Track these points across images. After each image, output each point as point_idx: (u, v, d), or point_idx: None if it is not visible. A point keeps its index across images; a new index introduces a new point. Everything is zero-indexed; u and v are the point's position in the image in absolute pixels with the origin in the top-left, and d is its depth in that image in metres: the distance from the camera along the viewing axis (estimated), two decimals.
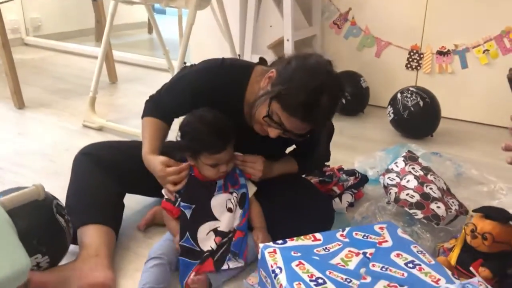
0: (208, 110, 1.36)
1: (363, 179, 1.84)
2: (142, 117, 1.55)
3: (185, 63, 2.30)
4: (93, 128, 2.52)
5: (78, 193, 1.50)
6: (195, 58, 3.22)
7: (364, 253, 1.02)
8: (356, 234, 1.09)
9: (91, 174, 1.52)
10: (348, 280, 0.93)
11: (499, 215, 1.08)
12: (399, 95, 2.39)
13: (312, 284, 0.92)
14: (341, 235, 1.08)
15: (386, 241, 1.06)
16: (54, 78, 3.42)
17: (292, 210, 1.47)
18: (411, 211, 1.55)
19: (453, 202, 1.64)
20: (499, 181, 1.87)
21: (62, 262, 1.37)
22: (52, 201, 1.32)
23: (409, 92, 2.37)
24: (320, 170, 1.86)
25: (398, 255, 1.01)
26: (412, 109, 2.32)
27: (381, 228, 1.11)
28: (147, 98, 1.59)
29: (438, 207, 1.56)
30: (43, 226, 1.26)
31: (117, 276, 1.39)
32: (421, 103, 2.32)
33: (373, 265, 0.98)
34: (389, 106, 2.43)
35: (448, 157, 2.01)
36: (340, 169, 1.87)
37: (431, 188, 1.62)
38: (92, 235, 1.40)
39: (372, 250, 1.03)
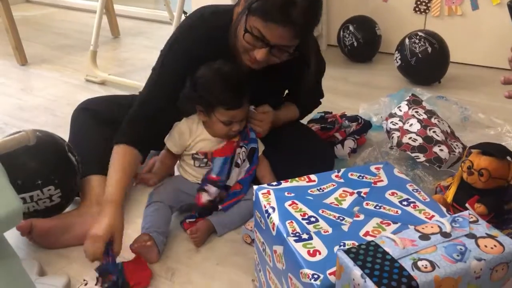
0: (224, 63, 1.32)
1: (366, 125, 1.81)
2: (114, 143, 1.34)
3: (185, 12, 2.24)
4: (96, 83, 2.51)
5: (77, 147, 1.50)
6: (195, 6, 3.14)
7: (359, 193, 1.00)
8: (352, 174, 1.07)
9: (90, 128, 1.53)
10: (341, 218, 0.93)
11: (496, 151, 1.06)
12: (407, 40, 2.31)
13: (304, 222, 0.91)
14: (336, 176, 1.07)
15: (382, 180, 1.04)
16: (56, 34, 3.39)
17: (291, 157, 1.46)
18: (413, 155, 1.53)
19: (457, 145, 1.61)
20: (507, 124, 1.83)
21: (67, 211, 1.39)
22: (64, 142, 1.40)
23: (417, 37, 2.28)
24: (322, 117, 1.83)
25: (392, 193, 0.99)
26: (419, 55, 2.25)
27: (377, 168, 1.09)
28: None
29: (441, 150, 1.54)
30: (57, 161, 1.32)
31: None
32: (429, 49, 2.24)
33: (367, 204, 0.97)
34: (396, 52, 2.36)
35: (454, 100, 1.96)
36: (343, 115, 1.84)
37: (434, 131, 1.59)
38: (93, 185, 1.42)
39: (366, 190, 1.01)
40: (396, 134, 1.61)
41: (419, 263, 0.67)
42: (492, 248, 0.69)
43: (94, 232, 1.15)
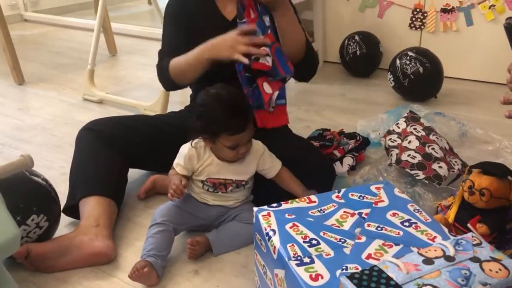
0: (222, 87, 1.31)
1: (364, 142, 1.81)
2: (167, 69, 1.49)
3: None
4: (93, 101, 2.51)
5: (80, 167, 1.51)
6: None
7: (360, 214, 1.00)
8: (352, 195, 1.07)
9: (93, 149, 1.52)
10: (343, 241, 0.92)
11: (497, 170, 1.05)
12: (397, 61, 2.31)
13: (305, 245, 0.90)
14: (337, 196, 1.07)
15: (382, 200, 1.04)
16: (54, 53, 3.40)
17: (295, 171, 1.45)
18: (412, 172, 1.53)
19: (456, 162, 1.61)
20: (505, 139, 1.83)
21: (62, 232, 1.38)
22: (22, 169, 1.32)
23: (408, 57, 2.28)
24: (320, 134, 1.83)
25: (394, 214, 0.99)
26: (412, 76, 2.25)
27: (377, 188, 1.09)
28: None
29: (440, 167, 1.53)
30: (22, 189, 1.29)
31: (117, 246, 1.40)
32: (421, 69, 2.24)
33: (368, 225, 0.96)
34: (389, 73, 2.37)
35: (451, 116, 1.97)
36: (341, 132, 1.85)
37: (433, 148, 1.59)
38: (93, 206, 1.41)
39: (367, 210, 1.01)
40: (395, 152, 1.61)
41: None
42: (497, 272, 0.68)
43: (228, 41, 1.37)
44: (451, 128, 1.93)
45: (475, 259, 0.71)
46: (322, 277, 0.83)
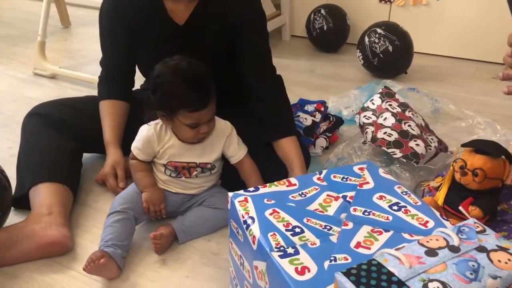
0: (182, 58, 1.18)
1: (338, 122, 1.73)
2: (99, 101, 1.47)
3: None
4: (45, 76, 2.32)
5: (28, 154, 1.38)
6: None
7: (344, 197, 0.92)
8: (335, 176, 0.99)
9: (41, 134, 1.40)
10: (328, 227, 0.84)
11: (491, 149, 0.99)
12: (366, 39, 2.22)
13: (288, 234, 0.82)
14: (318, 179, 0.98)
15: (367, 182, 0.96)
16: (0, 24, 3.13)
17: (262, 155, 1.35)
18: (389, 150, 1.46)
19: (432, 139, 1.56)
20: (477, 116, 1.80)
21: (12, 222, 1.24)
22: None
23: (377, 35, 2.19)
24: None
25: (381, 197, 0.91)
26: (381, 55, 2.18)
27: (360, 169, 1.01)
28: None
29: (417, 144, 1.47)
30: None
31: (74, 235, 1.27)
32: (390, 48, 2.17)
33: (355, 210, 0.88)
34: (358, 51, 2.29)
35: (425, 92, 1.92)
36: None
37: (409, 125, 1.53)
38: (44, 193, 1.27)
39: (352, 193, 0.93)
40: (370, 129, 1.54)
41: (430, 285, 0.58)
42: (506, 263, 0.61)
43: (104, 172, 1.39)
44: (424, 104, 1.88)
45: (481, 249, 0.64)
46: (309, 270, 0.74)
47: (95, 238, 1.24)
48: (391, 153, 1.45)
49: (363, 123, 1.59)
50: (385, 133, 1.51)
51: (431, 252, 0.64)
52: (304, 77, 2.33)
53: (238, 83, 1.40)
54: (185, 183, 1.27)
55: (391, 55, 2.18)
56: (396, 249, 0.65)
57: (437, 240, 0.66)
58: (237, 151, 1.29)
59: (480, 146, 1.01)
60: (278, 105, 1.39)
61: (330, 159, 1.56)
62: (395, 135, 1.49)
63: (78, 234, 1.28)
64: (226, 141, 1.27)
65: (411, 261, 0.62)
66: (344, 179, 0.98)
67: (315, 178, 0.99)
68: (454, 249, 0.64)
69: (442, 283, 0.59)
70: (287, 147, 1.32)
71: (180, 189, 1.28)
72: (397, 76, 2.27)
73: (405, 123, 1.53)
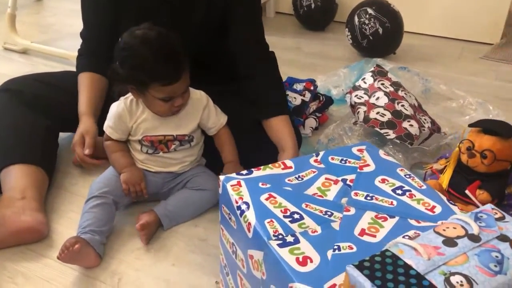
0: (150, 27, 1.08)
1: (328, 101, 1.67)
2: (77, 74, 1.35)
3: None
4: (16, 51, 2.18)
5: None
6: None
7: (344, 180, 0.85)
8: (333, 158, 0.92)
9: (12, 112, 1.30)
10: (329, 213, 0.78)
11: (500, 129, 0.93)
12: (356, 19, 2.15)
13: (286, 220, 0.75)
14: (315, 161, 0.91)
15: (368, 165, 0.90)
16: None
17: (251, 136, 1.28)
18: (382, 131, 1.41)
19: (425, 120, 1.51)
20: (468, 96, 1.76)
21: None
22: None
23: (367, 16, 2.12)
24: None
25: (383, 180, 0.85)
26: (371, 38, 2.12)
27: (359, 150, 0.95)
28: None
29: (411, 125, 1.42)
30: None
31: (50, 220, 1.18)
32: (380, 30, 2.10)
33: (356, 194, 0.82)
34: (347, 30, 2.22)
35: (415, 72, 1.86)
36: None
37: (402, 105, 1.48)
38: (16, 176, 1.18)
39: (352, 176, 0.87)
40: (362, 109, 1.48)
41: (453, 279, 0.53)
42: None
43: (73, 143, 1.23)
44: (415, 84, 1.83)
45: (503, 238, 0.59)
46: (311, 260, 0.68)
47: (72, 223, 1.15)
48: (384, 134, 1.40)
49: (355, 102, 1.53)
50: (377, 113, 1.45)
51: (450, 242, 0.58)
52: (290, 55, 2.25)
53: (230, 61, 1.31)
54: (164, 159, 1.19)
55: (381, 37, 2.12)
56: (410, 238, 0.59)
57: (454, 228, 0.60)
58: (217, 121, 1.23)
59: (489, 126, 0.95)
60: (269, 82, 1.31)
61: (321, 140, 1.50)
62: (388, 115, 1.44)
63: (54, 220, 1.19)
64: (203, 112, 1.20)
65: (429, 252, 0.56)
66: (343, 161, 0.92)
67: (312, 160, 0.92)
68: (474, 238, 0.58)
69: (465, 276, 0.53)
70: (278, 126, 1.24)
71: (160, 167, 1.20)
72: (386, 56, 2.21)
73: (398, 103, 1.48)
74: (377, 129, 1.42)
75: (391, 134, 1.39)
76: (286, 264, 0.67)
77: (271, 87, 1.31)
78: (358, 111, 1.49)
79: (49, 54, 2.11)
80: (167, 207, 1.17)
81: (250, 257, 0.78)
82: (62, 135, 1.43)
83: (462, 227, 0.60)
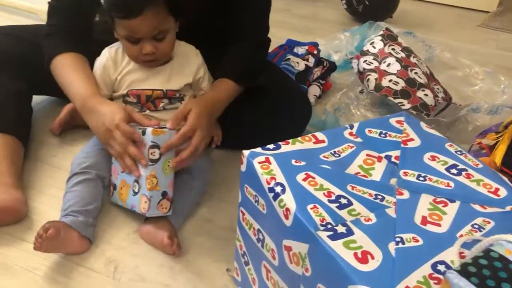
0: None
1: (331, 67, 1.53)
2: (50, 60, 1.05)
3: None
4: None
5: None
6: None
7: (388, 157, 0.74)
8: (370, 131, 0.80)
9: None
10: (380, 197, 0.66)
11: None
12: None
13: (333, 206, 0.63)
14: (351, 134, 0.79)
15: (412, 139, 0.79)
16: None
17: (257, 110, 1.14)
18: (396, 101, 1.30)
19: (438, 89, 1.41)
20: (475, 65, 1.66)
21: None
22: None
23: None
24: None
25: (433, 157, 0.74)
26: (367, 2, 1.99)
27: (399, 122, 0.83)
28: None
29: (426, 94, 1.32)
30: None
31: (28, 197, 1.02)
32: None
33: (405, 173, 0.71)
34: None
35: (421, 38, 1.75)
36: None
37: (416, 73, 1.37)
38: None
39: (397, 153, 0.75)
40: (373, 76, 1.36)
41: None
42: None
43: (106, 123, 0.92)
44: (419, 51, 1.71)
45: None
46: (372, 257, 0.56)
47: (54, 201, 1.00)
48: (399, 104, 1.29)
49: (364, 69, 1.40)
50: (390, 81, 1.33)
51: None
52: (279, 17, 2.09)
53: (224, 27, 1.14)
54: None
55: (378, 3, 2.00)
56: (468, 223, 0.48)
57: None
58: (208, 87, 1.09)
59: None
60: (243, 52, 1.12)
61: (327, 109, 1.37)
62: (401, 84, 1.32)
63: (33, 197, 1.03)
64: (198, 71, 1.06)
65: None
66: (383, 135, 0.79)
67: (346, 133, 0.79)
68: None
69: None
70: (215, 84, 1.07)
71: None
72: (383, 21, 2.08)
73: (411, 70, 1.36)
74: (390, 98, 1.31)
75: (406, 104, 1.28)
76: (343, 261, 0.55)
77: (242, 54, 1.12)
78: (368, 78, 1.37)
79: (17, 8, 1.87)
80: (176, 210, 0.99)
81: (286, 249, 0.65)
82: (35, 98, 1.25)
83: None
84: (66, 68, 1.03)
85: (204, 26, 1.07)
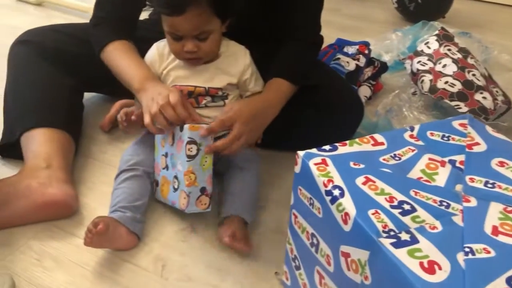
0: None
1: (383, 68, 1.48)
2: (101, 48, 1.06)
3: None
4: (30, 3, 2.00)
5: (18, 92, 1.11)
6: None
7: (452, 162, 0.70)
8: (432, 134, 0.76)
9: (33, 67, 1.13)
10: (445, 204, 0.62)
11: None
12: None
13: (395, 212, 0.60)
14: (411, 136, 0.75)
15: (477, 143, 0.74)
16: None
17: (308, 110, 1.11)
18: (453, 104, 1.24)
19: (497, 92, 1.34)
20: None
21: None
22: None
23: None
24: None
25: (501, 163, 0.70)
26: (419, 1, 1.93)
27: (462, 125, 0.78)
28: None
29: (484, 97, 1.25)
30: None
31: (78, 193, 1.03)
32: None
33: (472, 180, 0.66)
34: None
35: (477, 38, 1.68)
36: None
37: (473, 75, 1.30)
38: (40, 141, 1.03)
39: (461, 157, 0.71)
40: (428, 77, 1.31)
41: None
42: None
43: (161, 100, 0.91)
44: (475, 52, 1.63)
45: None
46: (439, 267, 0.52)
47: (104, 198, 1.00)
48: (455, 107, 1.23)
49: (418, 70, 1.35)
50: (446, 82, 1.28)
51: None
52: (328, 16, 2.03)
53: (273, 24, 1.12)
54: None
55: (430, 3, 1.93)
56: None
57: None
58: (255, 88, 1.06)
59: None
60: (298, 50, 1.10)
61: (379, 110, 1.33)
62: (458, 86, 1.27)
63: (83, 193, 1.04)
64: (245, 72, 1.04)
65: None
66: (445, 138, 0.75)
67: (407, 136, 0.76)
68: None
69: None
70: (266, 85, 1.05)
71: None
72: (435, 20, 2.01)
73: (468, 72, 1.30)
74: (446, 100, 1.25)
75: (463, 107, 1.23)
76: (408, 270, 0.52)
77: (296, 53, 1.10)
78: (422, 80, 1.31)
79: (67, 7, 1.93)
80: (238, 204, 0.97)
81: (344, 255, 0.63)
82: (87, 95, 1.27)
83: None
84: (120, 54, 1.04)
85: (250, 26, 1.05)
